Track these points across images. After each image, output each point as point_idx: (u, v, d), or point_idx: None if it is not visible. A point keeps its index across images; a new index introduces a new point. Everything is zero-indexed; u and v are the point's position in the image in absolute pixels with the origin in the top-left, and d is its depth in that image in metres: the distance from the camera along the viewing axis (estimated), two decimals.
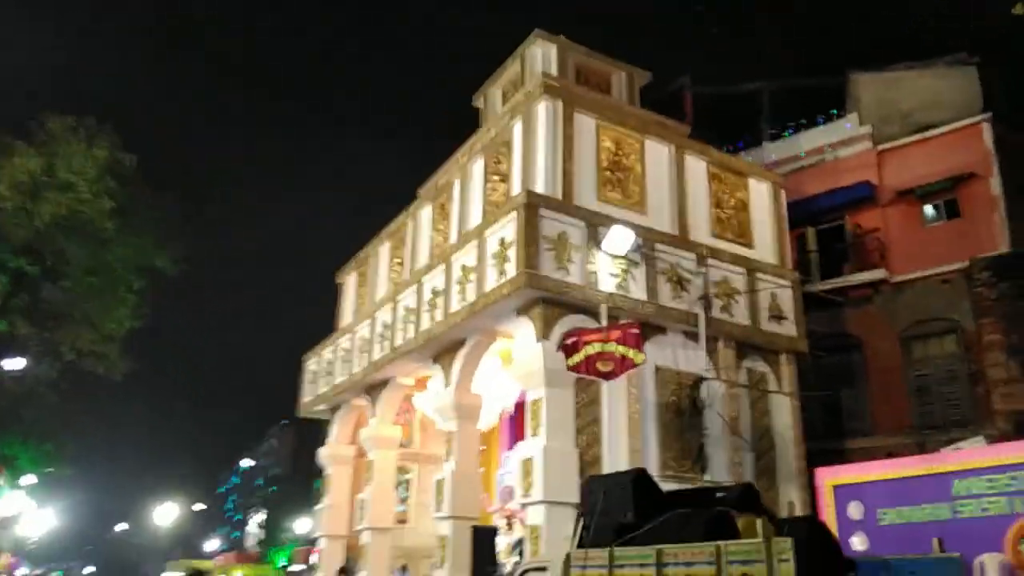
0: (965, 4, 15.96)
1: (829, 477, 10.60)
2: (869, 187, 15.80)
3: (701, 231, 13.34)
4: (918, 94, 16.25)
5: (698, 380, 11.82)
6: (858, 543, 10.07)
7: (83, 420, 24.89)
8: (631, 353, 9.50)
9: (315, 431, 43.90)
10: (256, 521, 42.74)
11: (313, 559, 31.71)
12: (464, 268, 12.35)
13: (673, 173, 13.38)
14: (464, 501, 12.42)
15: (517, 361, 11.31)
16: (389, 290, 16.08)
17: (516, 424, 15.81)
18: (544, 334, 10.97)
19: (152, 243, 19.33)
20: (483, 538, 11.00)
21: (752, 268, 13.33)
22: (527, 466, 10.50)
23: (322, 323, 20.73)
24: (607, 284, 11.46)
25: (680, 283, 12.22)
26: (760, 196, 14.55)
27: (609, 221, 11.69)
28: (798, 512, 12.59)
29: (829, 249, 16.37)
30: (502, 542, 13.49)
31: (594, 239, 11.49)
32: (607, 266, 11.53)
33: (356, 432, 18.09)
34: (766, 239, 14.25)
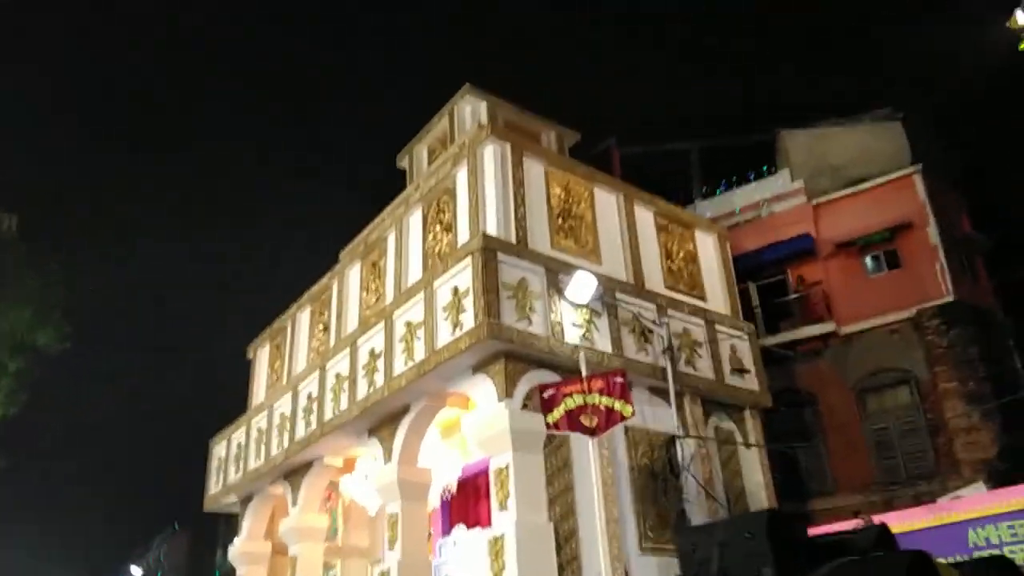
0: (889, 60, 16.44)
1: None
2: (810, 239, 15.67)
3: (655, 282, 12.63)
4: (847, 148, 16.45)
5: (671, 439, 10.82)
6: None
7: None
8: (618, 404, 8.43)
9: (211, 534, 40.15)
10: None
11: None
12: (409, 325, 11.07)
13: (624, 222, 12.71)
14: None
15: (477, 424, 10.01)
16: (313, 359, 14.51)
17: (450, 507, 14.32)
18: (507, 392, 9.76)
19: (32, 317, 17.02)
20: None
21: (710, 320, 12.65)
22: (496, 546, 9.10)
23: (227, 405, 18.63)
24: (571, 335, 10.44)
25: (644, 334, 11.33)
26: (707, 248, 14.07)
27: (568, 268, 10.78)
28: None
29: (771, 304, 16.03)
30: None
31: (555, 286, 10.51)
32: (570, 316, 10.54)
33: (272, 525, 16.08)
34: (717, 291, 13.69)
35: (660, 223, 13.41)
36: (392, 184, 15.70)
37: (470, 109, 14.66)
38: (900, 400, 14.27)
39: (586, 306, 10.68)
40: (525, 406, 9.83)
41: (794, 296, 15.70)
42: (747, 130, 18.08)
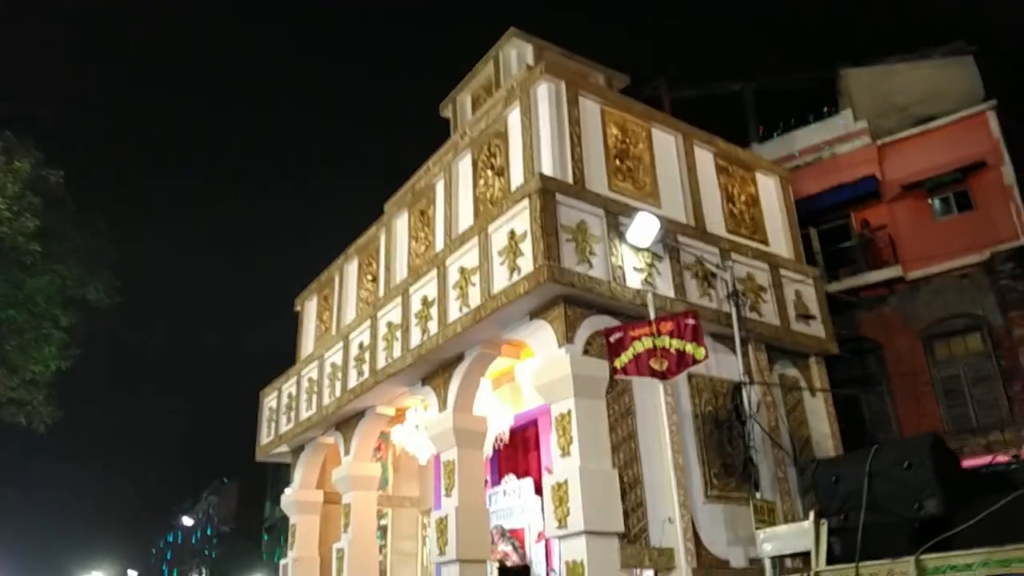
0: None
1: None
2: (874, 181, 14.96)
3: (717, 225, 12.13)
4: (914, 86, 15.59)
5: (737, 387, 10.43)
6: None
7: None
8: (689, 347, 8.06)
9: (259, 486, 40.99)
10: None
11: None
12: (463, 271, 10.78)
13: (683, 164, 12.19)
14: (472, 541, 10.65)
15: (537, 370, 9.73)
16: (363, 309, 14.34)
17: (499, 457, 14.20)
18: (568, 337, 9.44)
19: (82, 271, 17.06)
20: None
21: (774, 264, 12.16)
22: (559, 492, 8.87)
23: (272, 362, 18.64)
24: (633, 280, 10.05)
25: (707, 279, 10.91)
26: (768, 191, 13.51)
27: (628, 210, 10.34)
28: None
29: (834, 250, 15.40)
30: None
31: (615, 229, 10.10)
32: (631, 260, 10.14)
33: (324, 475, 16.16)
34: (779, 236, 13.16)
35: (720, 165, 12.87)
36: (433, 136, 15.21)
37: (516, 53, 14.14)
38: (971, 347, 13.66)
39: (648, 249, 10.28)
40: (586, 352, 9.53)
41: (858, 241, 15.05)
42: (806, 69, 17.21)
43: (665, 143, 12.14)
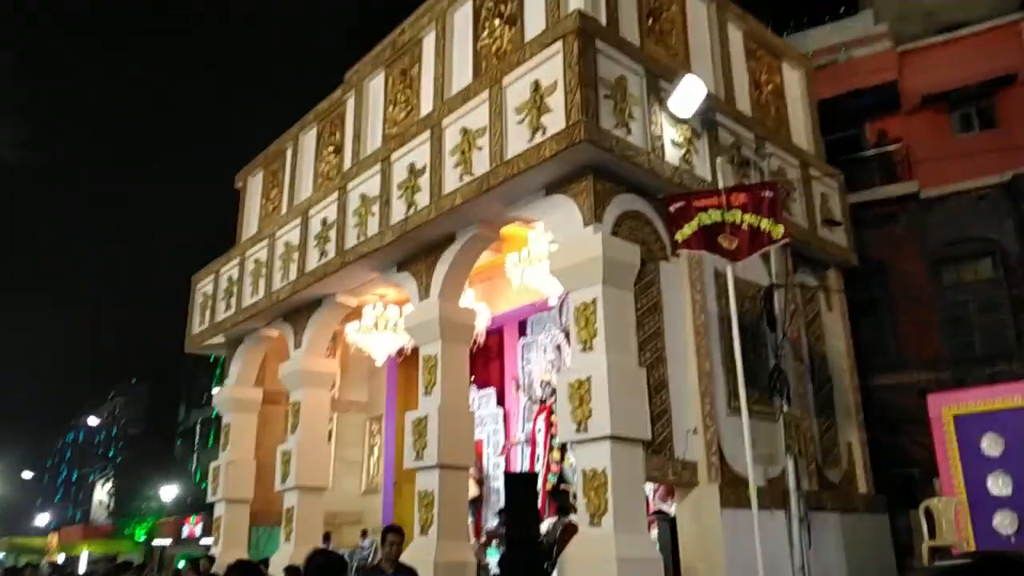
0: None
1: (948, 405, 8.36)
2: (894, 89, 13.80)
3: (746, 111, 10.74)
4: None
5: (768, 289, 9.19)
6: (999, 485, 7.88)
7: None
8: (766, 224, 6.68)
9: (172, 388, 38.68)
10: (105, 490, 36.98)
11: (186, 530, 27.33)
12: (466, 133, 9.05)
13: (715, 37, 10.67)
14: (456, 446, 9.27)
15: (559, 251, 8.23)
16: (325, 183, 12.47)
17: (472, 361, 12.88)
18: (596, 215, 7.95)
19: None
20: (521, 488, 7.92)
21: (804, 161, 10.91)
22: (579, 390, 7.50)
23: (199, 253, 16.33)
24: (672, 155, 8.57)
25: (741, 167, 9.53)
26: (793, 84, 12.18)
27: (667, 73, 8.79)
28: (857, 456, 10.43)
29: (842, 160, 14.25)
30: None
31: (655, 93, 8.55)
32: (670, 131, 8.64)
33: (264, 372, 14.48)
34: (802, 135, 11.91)
35: (749, 47, 11.40)
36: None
37: None
38: (981, 273, 12.87)
39: (687, 122, 8.78)
40: (615, 234, 8.08)
41: (871, 153, 13.94)
42: None
43: (698, 10, 10.55)
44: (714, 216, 6.72)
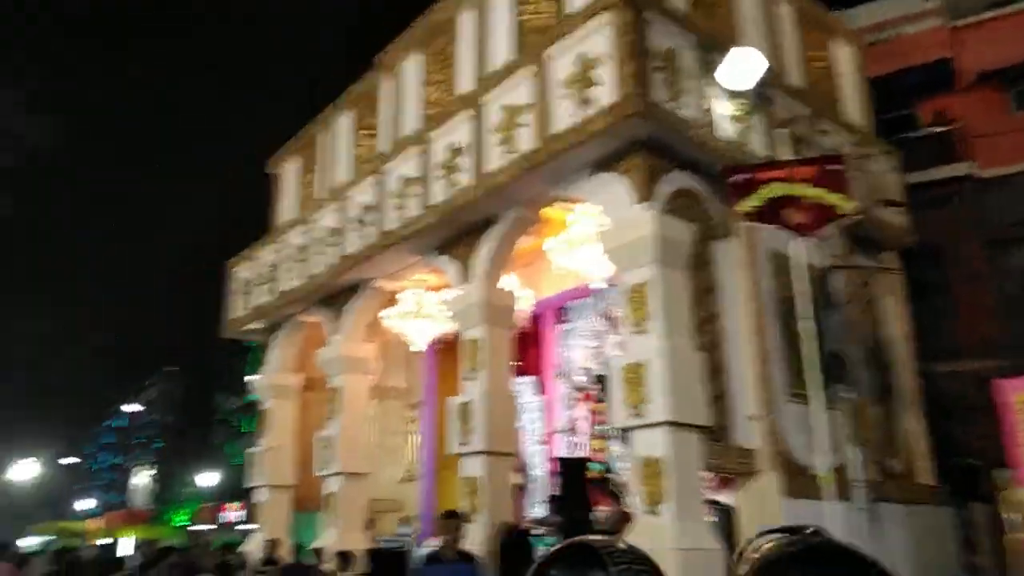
0: None
1: (1021, 391, 7.94)
2: (947, 67, 13.27)
3: (799, 87, 10.34)
4: None
5: (826, 271, 8.82)
6: None
7: None
8: (834, 198, 6.34)
9: (209, 376, 38.99)
10: (145, 476, 37.42)
11: (224, 516, 27.55)
12: (509, 110, 8.79)
13: (763, 11, 10.27)
14: (501, 431, 9.06)
15: (609, 231, 7.94)
16: (364, 165, 12.28)
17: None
18: (647, 193, 7.65)
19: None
20: (573, 472, 7.69)
21: (861, 140, 10.49)
22: (634, 374, 7.22)
23: (234, 236, 16.20)
24: (725, 130, 8.24)
25: (797, 144, 9.15)
26: (844, 61, 11.70)
27: (718, 45, 8.44)
28: (918, 445, 10.02)
29: (894, 141, 13.76)
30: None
31: (706, 66, 8.21)
32: (722, 106, 8.30)
33: (302, 358, 14.36)
34: (856, 112, 11.45)
35: (798, 21, 10.96)
36: None
37: None
38: None
39: (741, 95, 8.43)
40: (667, 212, 7.77)
41: (923, 133, 13.43)
42: None
43: None
44: (777, 190, 6.38)
